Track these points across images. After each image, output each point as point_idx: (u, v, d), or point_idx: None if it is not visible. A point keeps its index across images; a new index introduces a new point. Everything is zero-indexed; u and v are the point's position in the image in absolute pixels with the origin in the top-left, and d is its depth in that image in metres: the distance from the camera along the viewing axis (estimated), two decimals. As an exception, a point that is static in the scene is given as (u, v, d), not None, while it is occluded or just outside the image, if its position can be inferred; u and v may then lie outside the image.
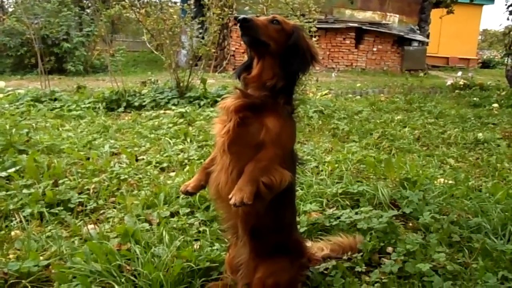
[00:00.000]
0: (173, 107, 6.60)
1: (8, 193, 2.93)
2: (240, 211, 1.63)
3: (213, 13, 7.31)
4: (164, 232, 2.32)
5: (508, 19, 10.74)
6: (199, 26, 8.14)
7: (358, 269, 2.07)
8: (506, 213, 2.59)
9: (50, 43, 13.82)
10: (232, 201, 1.50)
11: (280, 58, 1.65)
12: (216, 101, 6.51)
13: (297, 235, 1.99)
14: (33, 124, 5.26)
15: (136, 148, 4.33)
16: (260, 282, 1.73)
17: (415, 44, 18.07)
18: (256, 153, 1.58)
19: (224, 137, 1.62)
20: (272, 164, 1.58)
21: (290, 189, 1.76)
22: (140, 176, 3.42)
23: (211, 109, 6.36)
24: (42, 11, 14.16)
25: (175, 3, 12.81)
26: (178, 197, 2.91)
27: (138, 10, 8.33)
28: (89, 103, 6.81)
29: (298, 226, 2.43)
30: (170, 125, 5.36)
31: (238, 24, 1.57)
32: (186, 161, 3.84)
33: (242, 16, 1.56)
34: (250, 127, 1.60)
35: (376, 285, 1.94)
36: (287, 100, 1.68)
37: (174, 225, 2.50)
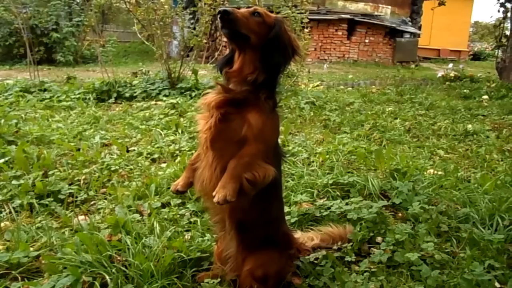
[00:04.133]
0: (164, 98, 6.56)
1: (-3, 184, 2.91)
2: (226, 206, 1.63)
3: (205, 4, 7.24)
4: (155, 223, 2.32)
5: (499, 11, 10.76)
6: (191, 16, 8.09)
7: (347, 258, 2.09)
8: (494, 204, 2.63)
9: (39, 33, 13.61)
10: (215, 199, 1.50)
11: (261, 51, 1.61)
12: (207, 92, 6.49)
13: (285, 228, 2.01)
14: (22, 115, 5.21)
15: (127, 139, 4.31)
16: (249, 274, 1.75)
17: (407, 36, 18.09)
18: (239, 149, 1.57)
19: (206, 133, 1.61)
20: (255, 160, 1.57)
21: (276, 183, 1.75)
22: (131, 167, 3.41)
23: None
24: (30, 0, 13.94)
25: (166, -7, 12.66)
26: (169, 188, 2.90)
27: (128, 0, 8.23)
28: (79, 94, 6.75)
29: (289, 217, 2.46)
30: (161, 116, 5.34)
31: (218, 16, 1.53)
32: (177, 152, 3.84)
33: (221, 8, 1.53)
34: (232, 123, 1.59)
35: (365, 274, 1.96)
36: (269, 95, 1.66)
37: (165, 216, 2.50)
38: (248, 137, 1.56)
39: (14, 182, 2.90)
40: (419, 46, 19.10)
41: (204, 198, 1.80)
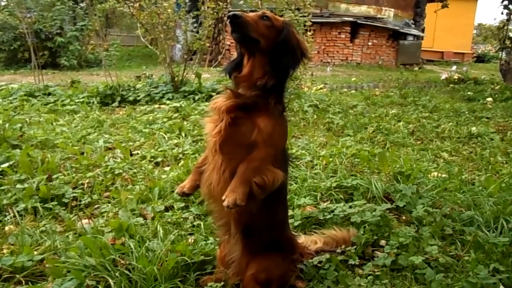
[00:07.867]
0: (168, 102, 6.58)
1: (2, 188, 2.91)
2: (233, 210, 1.63)
3: (208, 7, 7.26)
4: (158, 227, 2.32)
5: (502, 13, 10.74)
6: (194, 20, 8.09)
7: (351, 262, 2.08)
8: (499, 206, 2.61)
9: (44, 37, 13.67)
10: (225, 203, 1.50)
11: (270, 55, 1.63)
12: (211, 96, 6.48)
13: (289, 232, 2.01)
14: (27, 119, 5.23)
15: (130, 143, 4.32)
16: (253, 278, 1.75)
17: (410, 38, 18.07)
18: (248, 153, 1.58)
19: (215, 137, 1.62)
20: (265, 164, 1.58)
21: (282, 188, 1.76)
22: (135, 170, 3.41)
23: (206, 103, 6.32)
24: (35, 4, 14.03)
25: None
26: (172, 191, 2.90)
27: (132, 4, 8.27)
28: (83, 97, 6.78)
29: (292, 220, 2.45)
30: (165, 119, 5.34)
31: (228, 21, 1.54)
32: (180, 155, 3.84)
33: (232, 12, 1.54)
34: (242, 127, 1.60)
35: (369, 277, 1.96)
36: (278, 99, 1.67)
37: (169, 220, 2.50)
38: (257, 142, 1.58)
39: (18, 186, 2.91)
40: (422, 49, 19.10)
41: (210, 201, 1.80)
